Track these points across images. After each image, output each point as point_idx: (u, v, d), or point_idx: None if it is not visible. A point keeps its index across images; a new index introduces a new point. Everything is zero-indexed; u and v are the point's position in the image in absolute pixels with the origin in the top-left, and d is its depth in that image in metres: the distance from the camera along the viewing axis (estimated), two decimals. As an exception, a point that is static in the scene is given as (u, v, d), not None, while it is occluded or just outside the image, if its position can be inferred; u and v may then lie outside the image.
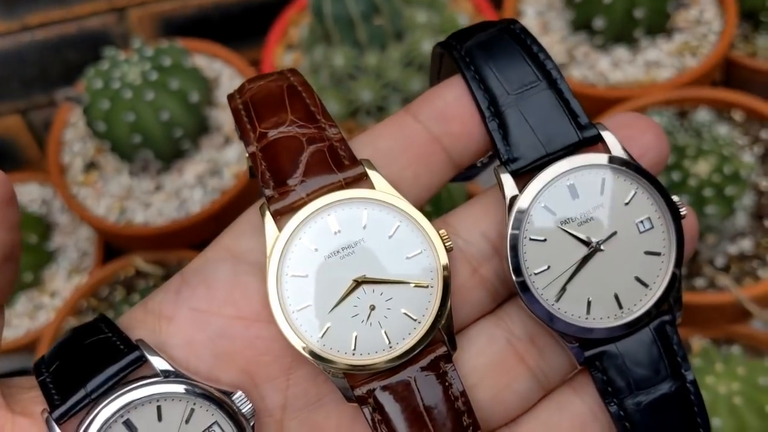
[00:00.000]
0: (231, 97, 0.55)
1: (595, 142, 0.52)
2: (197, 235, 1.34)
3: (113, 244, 1.45)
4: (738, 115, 1.27)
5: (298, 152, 0.51)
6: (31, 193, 1.50)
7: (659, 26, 1.32)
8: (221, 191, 1.33)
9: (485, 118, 0.53)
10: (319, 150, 0.51)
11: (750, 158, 1.20)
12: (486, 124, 0.52)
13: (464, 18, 1.35)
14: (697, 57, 1.32)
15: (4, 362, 1.44)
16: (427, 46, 1.28)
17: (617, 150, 0.52)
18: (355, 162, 0.52)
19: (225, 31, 1.54)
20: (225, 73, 1.43)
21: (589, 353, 0.52)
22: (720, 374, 1.09)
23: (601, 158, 0.52)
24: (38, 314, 1.39)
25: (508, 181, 0.52)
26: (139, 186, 1.35)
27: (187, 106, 1.28)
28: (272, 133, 0.52)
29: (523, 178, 0.52)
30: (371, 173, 0.51)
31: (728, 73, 1.41)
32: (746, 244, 1.17)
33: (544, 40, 1.38)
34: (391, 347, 0.50)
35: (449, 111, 0.53)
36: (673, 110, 1.26)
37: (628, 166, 0.51)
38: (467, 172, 0.61)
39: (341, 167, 0.51)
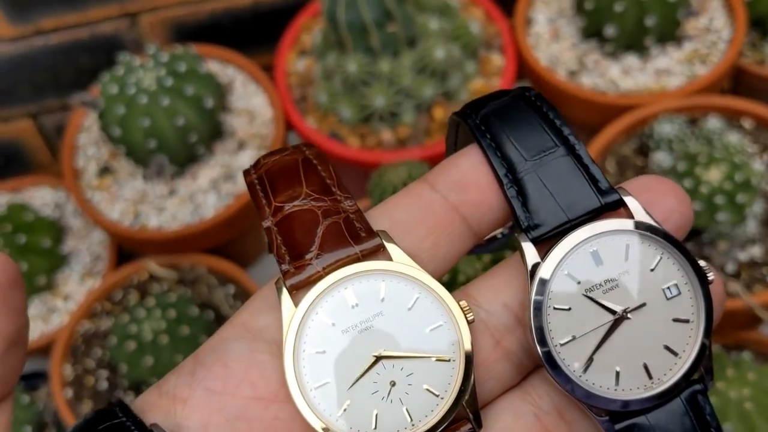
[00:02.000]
0: (246, 173, 0.55)
1: (617, 207, 0.51)
2: (211, 239, 1.35)
3: (126, 248, 1.46)
4: (747, 123, 1.28)
5: (313, 225, 0.51)
6: (44, 197, 1.51)
7: (669, 34, 1.33)
8: (235, 196, 1.34)
9: (503, 186, 0.51)
10: (334, 222, 0.51)
11: (760, 166, 1.21)
12: (504, 191, 0.51)
13: (476, 25, 1.36)
14: (707, 65, 1.33)
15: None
16: (439, 52, 1.29)
17: (640, 215, 0.51)
18: (371, 234, 0.51)
19: (236, 36, 1.55)
20: (238, 78, 1.44)
21: (620, 426, 0.50)
22: (731, 380, 1.10)
23: (625, 224, 0.51)
24: (52, 317, 1.40)
25: (529, 249, 0.51)
26: (153, 190, 1.36)
27: (201, 111, 1.29)
28: (287, 207, 0.51)
29: (544, 245, 0.51)
30: (388, 245, 0.51)
31: (737, 80, 1.42)
32: (756, 251, 1.19)
33: (554, 48, 1.39)
34: (413, 425, 0.49)
35: (466, 179, 0.53)
36: (683, 118, 1.27)
37: (653, 231, 0.50)
38: (487, 245, 0.61)
39: (358, 239, 0.50)
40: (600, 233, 0.50)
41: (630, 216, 0.51)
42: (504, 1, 1.45)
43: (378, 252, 0.51)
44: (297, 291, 0.50)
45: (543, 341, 0.49)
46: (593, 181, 0.51)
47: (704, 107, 1.28)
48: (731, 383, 1.09)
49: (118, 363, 1.25)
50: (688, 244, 1.19)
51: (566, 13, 1.41)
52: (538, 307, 0.50)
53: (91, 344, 1.33)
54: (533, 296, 0.50)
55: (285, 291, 0.50)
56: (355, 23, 1.25)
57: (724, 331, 1.20)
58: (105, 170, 1.41)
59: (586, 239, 0.50)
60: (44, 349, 1.37)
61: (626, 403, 0.49)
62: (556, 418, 0.51)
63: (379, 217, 0.53)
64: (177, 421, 0.49)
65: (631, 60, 1.35)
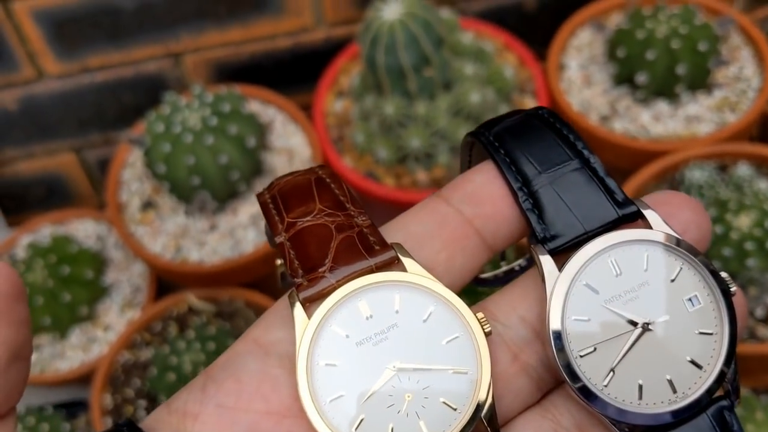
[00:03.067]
0: (260, 194, 0.54)
1: (635, 219, 0.50)
2: (249, 274, 1.39)
3: (166, 281, 1.50)
4: (776, 171, 1.31)
5: (327, 239, 0.50)
6: (86, 230, 1.55)
7: (700, 82, 1.36)
8: (273, 232, 1.37)
9: (518, 198, 0.50)
10: (348, 236, 0.50)
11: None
12: (519, 203, 0.51)
13: (509, 70, 1.40)
14: (736, 113, 1.36)
15: (58, 393, 1.48)
16: (474, 96, 1.33)
17: (660, 226, 0.50)
18: (386, 246, 0.50)
19: (276, 77, 1.59)
20: (278, 118, 1.48)
21: None
22: (760, 423, 1.11)
23: (643, 234, 0.49)
24: (92, 347, 1.44)
25: (546, 261, 0.50)
26: (195, 225, 1.40)
27: (244, 150, 1.33)
28: (300, 222, 0.51)
29: (561, 257, 0.50)
30: (403, 258, 0.50)
31: (765, 128, 1.45)
32: (785, 296, 1.21)
33: (586, 93, 1.42)
34: None
35: (480, 193, 0.52)
36: (713, 164, 1.30)
37: (672, 241, 0.49)
38: (505, 278, 0.61)
39: (372, 252, 0.49)
40: (618, 243, 0.49)
41: (648, 227, 0.50)
42: (537, 47, 1.49)
43: (392, 265, 0.50)
44: (310, 303, 0.49)
45: (563, 353, 0.48)
46: (609, 193, 0.50)
47: (734, 154, 1.30)
48: (761, 426, 1.10)
49: (157, 393, 1.28)
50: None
51: (598, 60, 1.45)
52: (557, 319, 0.48)
53: (131, 374, 1.37)
54: (551, 308, 0.48)
55: (298, 303, 0.49)
56: (394, 67, 1.29)
57: (753, 374, 1.22)
58: (148, 205, 1.45)
59: (604, 249, 0.49)
60: (84, 379, 1.40)
61: (650, 417, 0.48)
62: None
63: (392, 231, 0.52)
64: None
65: (662, 106, 1.38)
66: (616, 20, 1.47)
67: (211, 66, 1.57)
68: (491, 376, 0.48)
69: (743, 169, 1.25)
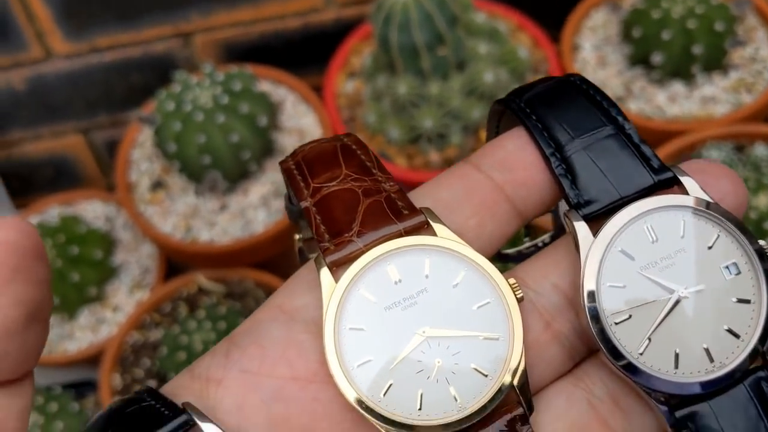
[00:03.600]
0: (283, 161, 0.53)
1: (671, 186, 0.49)
2: (259, 254, 1.38)
3: (175, 262, 1.49)
4: (793, 151, 1.30)
5: (354, 204, 0.48)
6: (95, 210, 1.54)
7: (716, 63, 1.35)
8: (284, 212, 1.36)
9: (551, 164, 0.49)
10: (376, 201, 0.49)
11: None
12: (552, 169, 0.49)
13: (523, 50, 1.39)
14: (753, 93, 1.35)
15: (67, 373, 1.47)
16: (488, 76, 1.32)
17: (697, 193, 0.48)
18: (414, 211, 0.48)
19: (286, 57, 1.58)
20: (289, 98, 1.47)
21: (680, 414, 0.47)
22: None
23: (680, 199, 0.48)
24: (101, 328, 1.43)
25: (580, 225, 0.48)
26: (205, 205, 1.39)
27: (255, 129, 1.32)
28: (326, 187, 0.49)
29: (595, 223, 0.48)
30: (433, 222, 0.48)
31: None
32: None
33: (601, 74, 1.41)
34: (460, 406, 0.46)
35: (512, 159, 0.50)
36: (730, 144, 1.29)
37: (709, 207, 0.48)
38: (528, 254, 0.59)
39: (400, 217, 0.48)
40: (654, 208, 0.48)
41: (684, 193, 0.48)
42: (551, 27, 1.48)
43: (422, 230, 0.48)
44: (337, 268, 0.48)
45: (597, 320, 0.47)
46: (645, 159, 0.49)
47: (750, 135, 1.29)
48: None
49: (167, 373, 1.28)
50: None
51: (613, 40, 1.44)
52: (591, 285, 0.47)
53: (140, 354, 1.36)
54: (585, 275, 0.47)
55: (325, 267, 0.47)
56: (407, 46, 1.28)
57: None
58: (158, 185, 1.44)
59: (639, 215, 0.48)
60: (93, 359, 1.40)
61: (687, 386, 0.46)
62: (612, 406, 0.49)
63: (421, 197, 0.51)
64: (210, 403, 0.47)
65: (678, 87, 1.36)
66: (631, 0, 1.46)
67: (221, 46, 1.55)
68: (523, 342, 0.46)
69: (760, 150, 1.23)
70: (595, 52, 1.43)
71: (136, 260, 1.48)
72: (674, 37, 1.31)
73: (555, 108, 0.51)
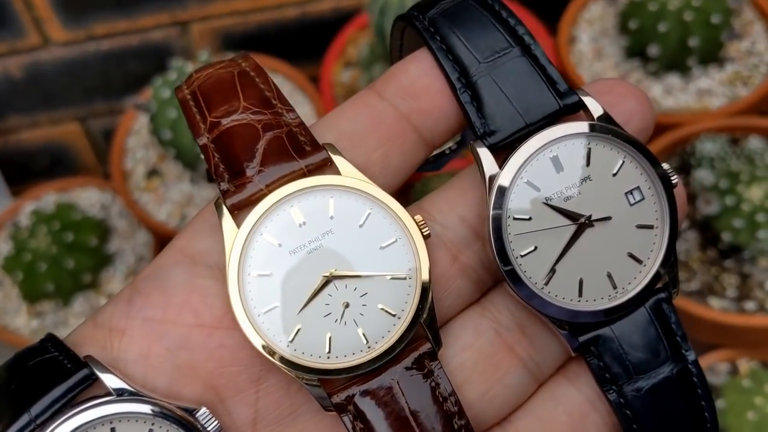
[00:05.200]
0: (178, 89, 0.50)
1: (577, 110, 0.48)
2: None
3: (169, 250, 1.49)
4: (788, 144, 1.29)
5: (253, 140, 0.47)
6: (90, 198, 1.54)
7: (712, 56, 1.35)
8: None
9: (456, 91, 0.48)
10: (276, 136, 0.47)
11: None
12: (458, 96, 0.48)
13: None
14: (748, 87, 1.35)
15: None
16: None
17: (601, 117, 0.48)
18: (317, 147, 0.47)
19: (283, 47, 1.58)
20: (285, 87, 1.47)
21: (584, 339, 0.47)
22: (768, 395, 1.11)
23: (585, 126, 0.47)
24: (95, 315, 1.43)
25: (486, 156, 0.48)
26: (200, 193, 1.39)
27: (250, 117, 1.32)
28: (225, 122, 0.47)
29: (502, 152, 0.48)
30: (336, 158, 0.47)
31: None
32: (796, 269, 1.20)
33: (597, 66, 1.41)
34: (369, 347, 0.46)
35: (416, 86, 0.49)
36: (724, 137, 1.29)
37: (614, 133, 0.47)
38: (435, 162, 0.58)
39: (302, 153, 0.47)
40: (560, 137, 0.47)
41: (590, 118, 0.48)
42: (548, 19, 1.48)
43: (325, 167, 0.47)
44: (239, 211, 0.46)
45: (503, 254, 0.46)
46: (551, 82, 0.48)
47: (745, 128, 1.29)
48: (769, 399, 1.10)
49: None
50: (729, 261, 1.20)
51: (609, 33, 1.43)
52: (498, 219, 0.46)
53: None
54: (492, 208, 0.46)
55: (226, 211, 0.46)
56: (403, 36, 1.28)
57: (762, 347, 1.21)
58: (153, 173, 1.44)
59: (545, 144, 0.47)
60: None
61: (590, 314, 0.47)
62: (518, 334, 0.49)
63: (324, 130, 0.49)
64: (114, 354, 0.46)
65: (673, 80, 1.36)
66: (628, -7, 1.46)
67: (218, 35, 1.55)
68: (430, 279, 0.46)
69: (755, 143, 1.23)
70: (592, 44, 1.43)
71: (131, 248, 1.48)
72: (670, 30, 1.31)
73: (460, 27, 0.49)
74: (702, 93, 1.35)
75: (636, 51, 1.37)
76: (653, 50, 1.33)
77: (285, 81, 1.48)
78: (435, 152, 0.57)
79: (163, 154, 1.43)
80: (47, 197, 1.53)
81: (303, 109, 1.45)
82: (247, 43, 1.56)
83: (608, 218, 0.48)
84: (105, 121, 1.65)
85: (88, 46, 1.53)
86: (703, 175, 1.20)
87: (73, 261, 1.39)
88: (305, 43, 1.59)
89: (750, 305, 1.17)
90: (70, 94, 1.60)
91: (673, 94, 1.35)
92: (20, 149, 1.67)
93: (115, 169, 1.44)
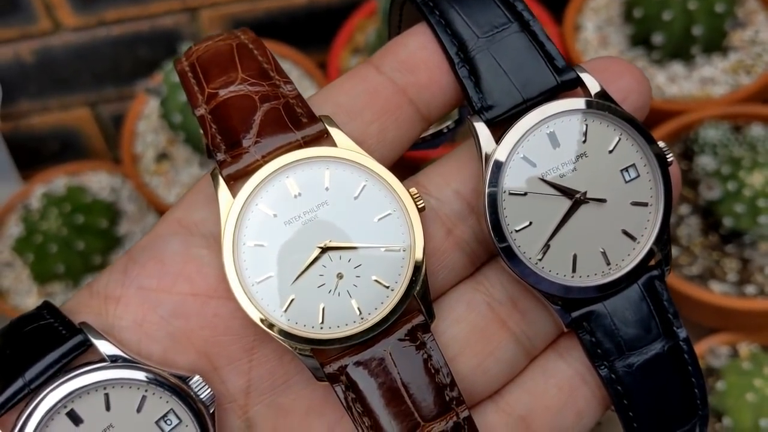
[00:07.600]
0: (177, 61, 0.51)
1: (575, 86, 0.48)
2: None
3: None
4: (790, 133, 1.31)
5: (250, 111, 0.47)
6: (100, 182, 1.55)
7: (716, 44, 1.36)
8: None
9: (454, 65, 0.48)
10: (273, 108, 0.47)
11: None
12: (455, 71, 0.48)
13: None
14: (751, 75, 1.36)
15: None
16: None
17: (598, 94, 0.48)
18: (313, 119, 0.47)
19: (292, 34, 1.59)
20: (294, 73, 1.48)
21: (576, 314, 0.48)
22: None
23: (582, 103, 0.47)
24: (104, 296, 1.45)
25: (483, 131, 0.48)
26: (209, 177, 1.41)
27: (260, 101, 1.34)
28: (222, 93, 0.47)
29: (499, 127, 0.48)
30: (332, 130, 0.47)
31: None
32: (797, 254, 1.21)
33: (602, 54, 1.43)
34: (362, 318, 0.46)
35: (414, 60, 0.49)
36: (727, 125, 1.30)
37: (611, 110, 0.47)
38: (433, 140, 0.58)
39: (299, 125, 0.47)
40: (557, 113, 0.47)
41: (588, 95, 0.48)
42: (554, 7, 1.49)
43: (321, 138, 0.47)
44: (235, 181, 0.47)
45: (498, 229, 0.46)
46: (549, 59, 0.48)
47: (748, 116, 1.30)
48: (768, 381, 1.12)
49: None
50: (730, 246, 1.22)
51: (615, 21, 1.45)
52: (493, 194, 0.46)
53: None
54: (488, 182, 0.47)
55: (221, 181, 0.46)
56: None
57: (763, 331, 1.22)
58: (163, 156, 1.45)
59: (542, 120, 0.47)
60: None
61: (582, 290, 0.47)
62: (510, 308, 0.49)
63: (321, 102, 0.49)
64: (109, 321, 0.46)
65: (677, 68, 1.38)
66: (633, -19, 1.47)
67: (227, 21, 1.57)
68: (424, 252, 0.46)
69: (757, 130, 1.25)
70: (597, 33, 1.45)
71: (141, 230, 1.50)
72: (675, 18, 1.32)
73: (459, 1, 0.49)
74: (705, 81, 1.36)
75: (641, 39, 1.38)
76: (657, 39, 1.34)
77: (293, 67, 1.49)
78: (432, 130, 0.58)
79: (173, 138, 1.45)
80: (58, 181, 1.55)
81: (311, 94, 1.46)
82: (255, 30, 1.54)
83: (603, 195, 0.48)
84: (115, 106, 1.67)
85: (99, 31, 1.54)
86: (706, 161, 1.21)
87: (84, 243, 1.41)
88: (313, 30, 1.60)
89: (750, 289, 1.19)
90: (81, 79, 1.61)
91: (676, 82, 1.37)
92: (31, 134, 1.68)
93: (125, 153, 1.45)
